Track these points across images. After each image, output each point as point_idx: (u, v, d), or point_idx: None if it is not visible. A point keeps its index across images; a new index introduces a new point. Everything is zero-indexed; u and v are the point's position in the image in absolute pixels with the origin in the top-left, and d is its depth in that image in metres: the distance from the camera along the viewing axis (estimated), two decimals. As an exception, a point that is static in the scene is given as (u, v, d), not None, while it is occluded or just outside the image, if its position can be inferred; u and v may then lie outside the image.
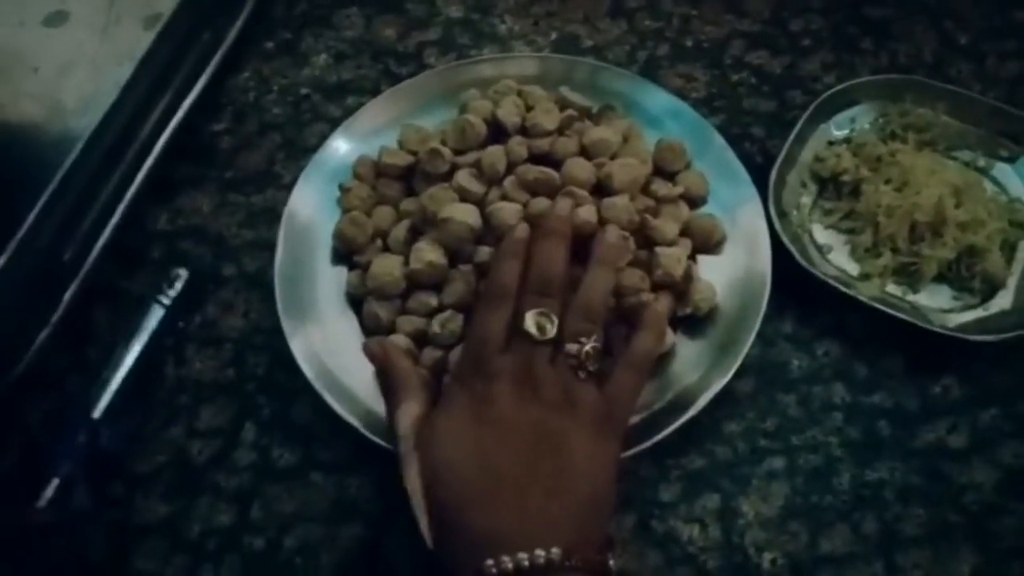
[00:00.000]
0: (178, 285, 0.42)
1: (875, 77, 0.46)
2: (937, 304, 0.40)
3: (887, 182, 0.42)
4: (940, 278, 0.40)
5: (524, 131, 0.43)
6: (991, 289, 0.40)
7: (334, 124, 0.47)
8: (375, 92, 0.49)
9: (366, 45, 0.52)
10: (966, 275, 0.40)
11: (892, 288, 0.40)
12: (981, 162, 0.44)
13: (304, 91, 0.50)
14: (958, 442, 0.37)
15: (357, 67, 0.51)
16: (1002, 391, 0.38)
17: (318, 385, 0.38)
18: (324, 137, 0.45)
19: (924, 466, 0.37)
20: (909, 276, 0.40)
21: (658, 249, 0.39)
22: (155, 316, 0.41)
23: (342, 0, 0.54)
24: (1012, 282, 0.40)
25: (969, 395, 0.38)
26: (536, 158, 0.42)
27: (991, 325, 0.38)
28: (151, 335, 0.40)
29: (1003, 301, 0.39)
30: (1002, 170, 0.43)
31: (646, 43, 0.51)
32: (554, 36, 0.52)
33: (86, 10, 0.45)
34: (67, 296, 0.41)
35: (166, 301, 0.41)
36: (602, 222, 0.39)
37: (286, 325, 0.39)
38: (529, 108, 0.44)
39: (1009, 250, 0.40)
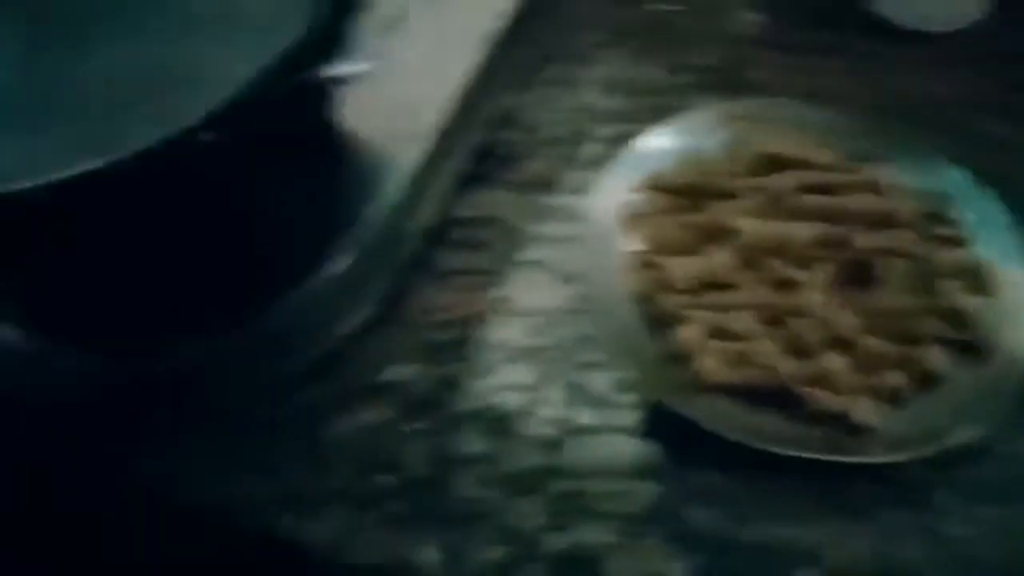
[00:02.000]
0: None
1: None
2: None
3: None
4: None
5: (804, 165, 0.48)
6: None
7: (604, 143, 0.54)
8: (638, 120, 0.55)
9: (630, 82, 0.59)
10: None
11: None
12: None
13: (579, 115, 0.57)
14: None
15: (622, 99, 0.58)
16: None
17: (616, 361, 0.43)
18: (598, 155, 0.52)
19: None
20: None
21: (941, 281, 0.43)
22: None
23: (613, 40, 0.61)
24: None
25: None
26: (816, 189, 0.47)
27: None
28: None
29: None
30: None
31: (879, 103, 0.56)
32: (802, 88, 0.57)
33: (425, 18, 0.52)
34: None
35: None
36: (886, 252, 0.44)
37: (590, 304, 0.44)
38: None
39: None
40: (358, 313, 0.45)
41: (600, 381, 0.44)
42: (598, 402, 0.44)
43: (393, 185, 0.45)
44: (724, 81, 0.59)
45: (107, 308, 0.37)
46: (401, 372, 0.45)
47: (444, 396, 0.44)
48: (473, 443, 0.42)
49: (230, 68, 0.29)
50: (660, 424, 0.42)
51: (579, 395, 0.44)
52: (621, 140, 0.53)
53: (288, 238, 0.40)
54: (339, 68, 0.32)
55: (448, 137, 0.49)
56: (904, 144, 0.51)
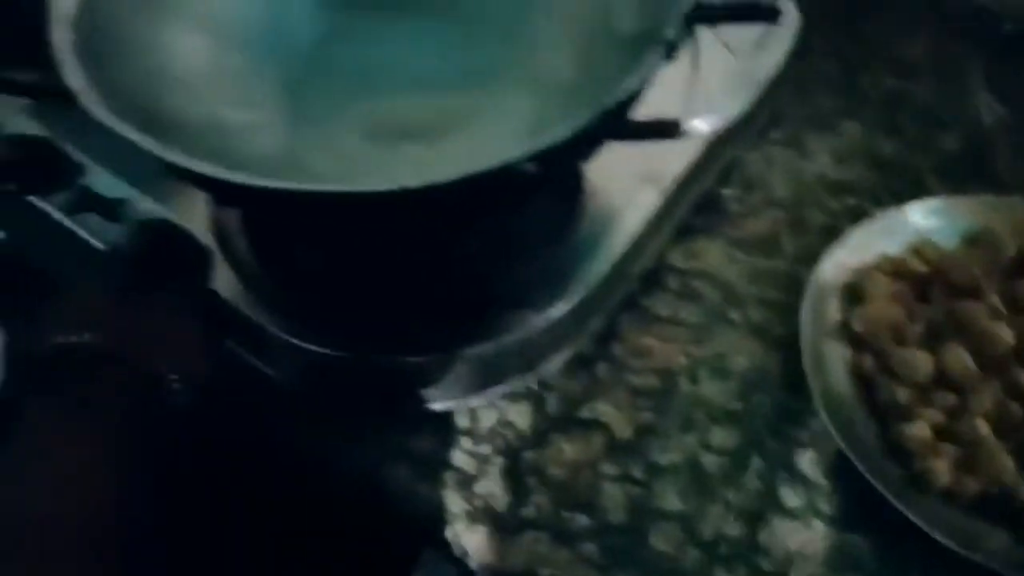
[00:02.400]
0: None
1: None
2: None
3: None
4: None
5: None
6: None
7: (831, 215, 0.52)
8: (871, 196, 0.54)
9: (864, 155, 0.57)
10: None
11: None
12: None
13: (806, 180, 0.56)
14: None
15: (855, 171, 0.56)
16: None
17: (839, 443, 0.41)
18: (823, 224, 0.51)
19: None
20: None
21: None
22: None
23: (846, 111, 0.59)
24: None
25: None
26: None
27: None
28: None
29: None
30: None
31: None
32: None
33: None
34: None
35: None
36: None
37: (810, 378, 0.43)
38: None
39: None
40: (570, 346, 0.46)
41: (806, 459, 0.43)
42: (805, 481, 0.42)
43: (626, 230, 0.45)
44: (964, 169, 0.56)
45: (369, 304, 0.38)
46: (603, 411, 0.45)
47: (645, 443, 0.44)
48: (671, 498, 0.42)
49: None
50: (869, 518, 0.41)
51: (784, 470, 0.43)
52: (849, 213, 0.52)
53: (528, 269, 0.41)
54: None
55: (682, 187, 0.49)
56: None
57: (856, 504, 0.41)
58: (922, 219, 0.50)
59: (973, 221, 0.50)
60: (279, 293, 0.39)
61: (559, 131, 0.28)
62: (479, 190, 0.27)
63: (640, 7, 0.37)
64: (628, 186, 0.47)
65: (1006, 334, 0.43)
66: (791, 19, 0.37)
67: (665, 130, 0.33)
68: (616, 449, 0.43)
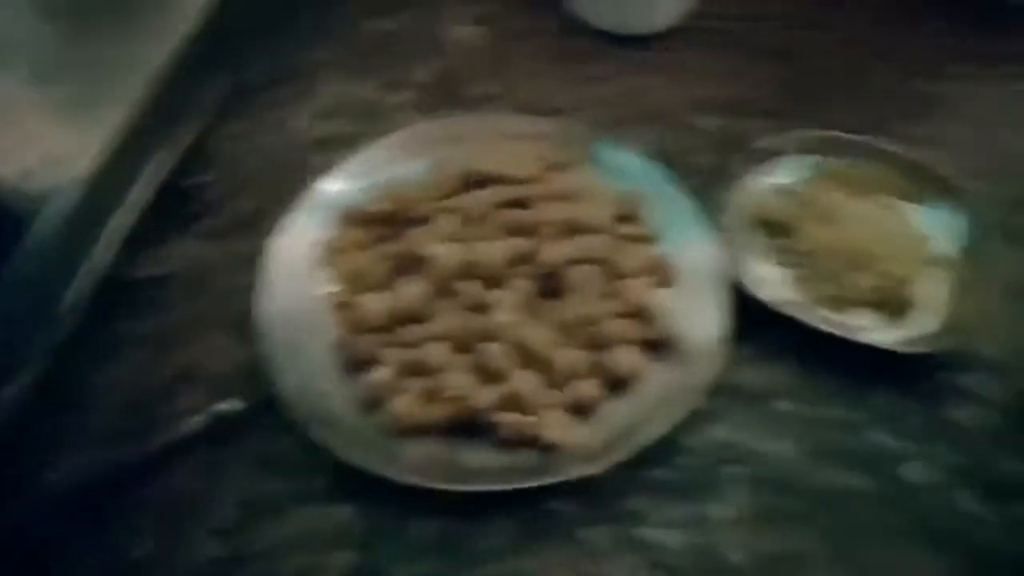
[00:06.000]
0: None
1: (807, 132, 0.52)
2: (863, 326, 0.44)
3: (821, 223, 0.47)
4: (865, 304, 0.45)
5: (501, 180, 0.47)
6: (908, 312, 0.45)
7: (317, 175, 0.51)
8: (355, 147, 0.53)
9: (344, 106, 0.56)
10: (889, 302, 0.45)
11: (828, 314, 0.45)
12: (897, 204, 0.49)
13: (285, 146, 0.54)
14: (900, 445, 0.41)
15: (336, 125, 0.55)
16: (928, 397, 0.43)
17: (303, 418, 0.40)
18: (307, 188, 0.49)
19: (872, 468, 0.41)
20: (840, 303, 0.45)
21: (623, 281, 0.43)
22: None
23: (322, 65, 0.58)
24: (926, 305, 0.45)
25: (899, 401, 0.43)
26: (512, 203, 0.46)
27: (916, 343, 0.43)
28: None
29: (923, 323, 0.44)
30: (914, 210, 0.49)
31: (604, 107, 0.56)
32: (518, 100, 0.57)
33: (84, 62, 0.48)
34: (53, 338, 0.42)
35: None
36: (574, 260, 0.44)
37: (273, 364, 0.41)
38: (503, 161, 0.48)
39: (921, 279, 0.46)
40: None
41: (287, 447, 0.41)
42: (284, 472, 0.40)
43: (32, 244, 0.40)
44: (443, 97, 0.57)
45: None
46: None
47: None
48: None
49: None
50: (354, 484, 0.39)
51: (262, 467, 0.41)
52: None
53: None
54: None
55: (107, 185, 0.44)
56: (606, 147, 0.50)
57: (339, 476, 0.40)
58: (386, 159, 0.50)
59: (438, 147, 0.50)
60: None
61: None
62: None
63: None
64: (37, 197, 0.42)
65: (451, 253, 0.43)
66: None
67: None
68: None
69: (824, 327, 0.43)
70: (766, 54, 0.61)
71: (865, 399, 0.43)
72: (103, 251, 0.44)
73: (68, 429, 0.41)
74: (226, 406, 0.41)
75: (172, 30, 0.49)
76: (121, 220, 0.46)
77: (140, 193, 0.47)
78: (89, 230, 0.44)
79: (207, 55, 0.51)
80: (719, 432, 0.42)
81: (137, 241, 0.47)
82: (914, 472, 0.41)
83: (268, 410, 0.41)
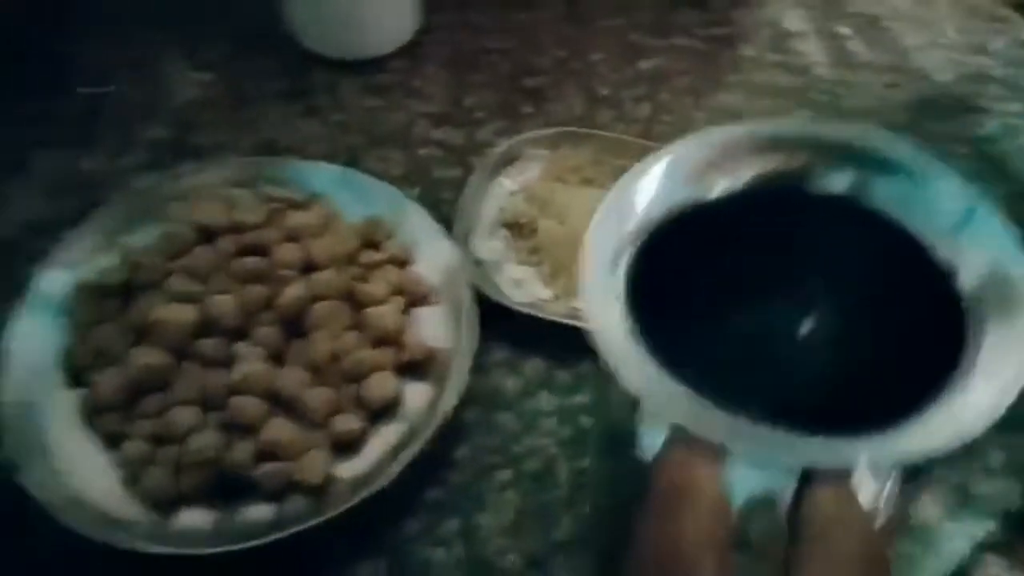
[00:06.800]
0: None
1: (536, 132, 0.55)
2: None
3: (555, 218, 0.49)
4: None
5: (232, 229, 0.46)
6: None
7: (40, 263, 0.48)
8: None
9: (70, 180, 0.53)
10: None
11: (576, 304, 0.47)
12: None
13: (10, 233, 0.51)
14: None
15: (64, 202, 0.52)
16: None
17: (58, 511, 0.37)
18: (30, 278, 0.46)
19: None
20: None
21: (368, 310, 0.44)
22: None
23: (40, 143, 0.55)
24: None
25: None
26: (246, 250, 0.46)
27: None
28: None
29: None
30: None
31: (341, 136, 0.57)
32: (253, 140, 0.56)
33: None
34: None
35: None
36: (314, 298, 0.43)
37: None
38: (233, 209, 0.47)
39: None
40: None
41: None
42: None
43: None
44: (173, 154, 0.55)
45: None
46: None
47: None
48: None
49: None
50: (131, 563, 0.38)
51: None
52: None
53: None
54: None
55: None
56: (342, 178, 0.50)
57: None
58: (112, 229, 0.48)
59: (168, 207, 0.49)
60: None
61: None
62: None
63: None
64: None
65: (183, 313, 0.42)
66: None
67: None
68: None
69: (564, 320, 0.45)
70: (494, 60, 0.63)
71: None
72: None
73: None
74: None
75: None
76: None
77: None
78: None
79: None
80: (482, 439, 0.43)
81: None
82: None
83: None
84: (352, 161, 0.54)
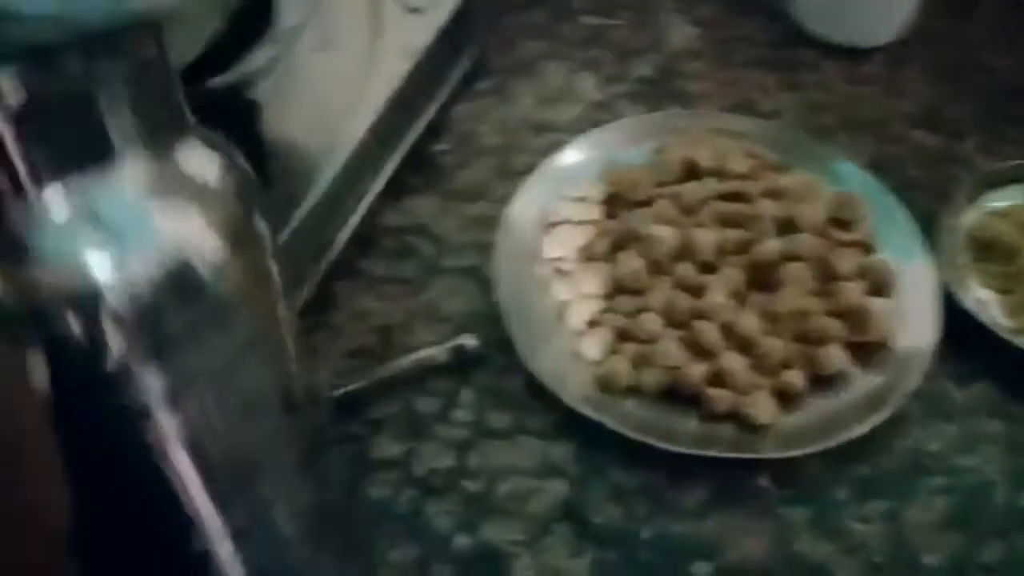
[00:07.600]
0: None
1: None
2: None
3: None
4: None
5: (718, 173, 0.50)
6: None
7: (538, 155, 0.55)
8: (574, 132, 0.57)
9: (567, 93, 0.60)
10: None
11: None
12: None
13: (513, 125, 0.58)
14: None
15: (559, 111, 0.59)
16: None
17: (531, 365, 0.44)
18: (530, 164, 0.53)
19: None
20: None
21: (839, 283, 0.45)
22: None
23: (548, 54, 0.63)
24: None
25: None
26: (729, 196, 0.49)
27: None
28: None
29: None
30: None
31: (815, 114, 0.58)
32: (732, 99, 0.59)
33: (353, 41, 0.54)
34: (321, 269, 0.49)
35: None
36: (788, 256, 0.46)
37: (504, 311, 0.46)
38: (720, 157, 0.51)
39: None
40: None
41: (515, 384, 0.46)
42: (511, 404, 0.45)
43: (314, 194, 0.46)
44: (657, 92, 0.60)
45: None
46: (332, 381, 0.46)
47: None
48: (390, 446, 0.44)
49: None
50: (570, 427, 0.43)
51: (493, 398, 0.45)
52: (552, 150, 0.55)
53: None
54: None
55: (372, 147, 0.50)
56: (820, 152, 0.52)
57: (558, 417, 0.44)
58: (612, 145, 0.53)
59: (658, 138, 0.53)
60: None
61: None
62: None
63: None
64: (315, 153, 0.48)
65: (669, 235, 0.46)
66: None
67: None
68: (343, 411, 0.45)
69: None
70: (984, 76, 0.60)
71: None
72: (364, 203, 0.50)
73: (318, 346, 0.47)
74: (462, 341, 0.46)
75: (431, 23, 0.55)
76: (378, 179, 0.51)
77: (393, 157, 0.52)
78: (356, 186, 0.49)
79: (456, 39, 0.56)
80: (921, 441, 0.43)
81: (388, 197, 0.53)
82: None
83: (499, 350, 0.45)
84: (824, 138, 0.55)
